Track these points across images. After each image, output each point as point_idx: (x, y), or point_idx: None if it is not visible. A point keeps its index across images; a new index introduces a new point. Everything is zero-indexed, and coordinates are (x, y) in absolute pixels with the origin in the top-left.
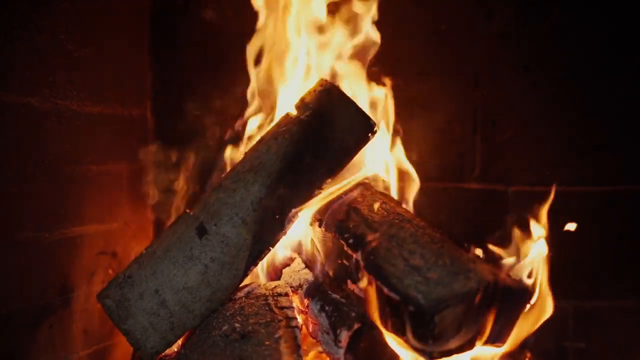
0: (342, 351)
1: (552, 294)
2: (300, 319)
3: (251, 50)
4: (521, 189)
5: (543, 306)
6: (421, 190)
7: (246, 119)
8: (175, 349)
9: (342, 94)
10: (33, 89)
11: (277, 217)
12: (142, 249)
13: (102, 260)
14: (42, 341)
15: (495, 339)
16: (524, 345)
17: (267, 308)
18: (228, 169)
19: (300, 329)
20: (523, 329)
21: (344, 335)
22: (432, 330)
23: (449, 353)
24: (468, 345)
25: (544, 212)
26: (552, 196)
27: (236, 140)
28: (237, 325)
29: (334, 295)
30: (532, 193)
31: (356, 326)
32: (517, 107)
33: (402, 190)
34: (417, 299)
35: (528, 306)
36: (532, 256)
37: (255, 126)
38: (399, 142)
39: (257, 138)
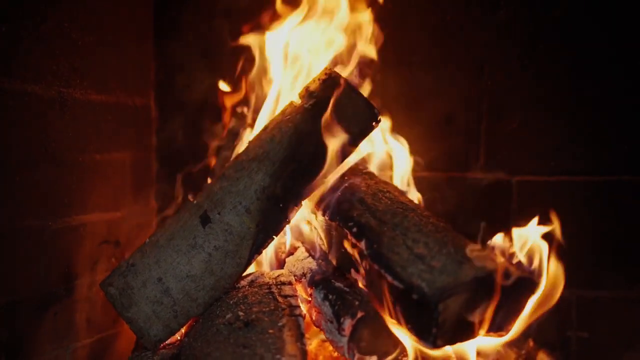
0: (345, 340)
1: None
2: (303, 308)
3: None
4: (525, 178)
5: (547, 295)
6: (425, 179)
7: (250, 108)
8: (179, 337)
9: (347, 83)
10: (37, 77)
11: (280, 205)
12: (145, 237)
13: (105, 248)
14: (47, 329)
15: (499, 327)
16: (527, 334)
17: (270, 297)
18: (232, 157)
19: (304, 318)
20: (527, 317)
21: (348, 324)
22: (435, 318)
23: (453, 341)
24: (472, 333)
25: (547, 201)
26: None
27: (240, 129)
28: (240, 313)
29: (338, 284)
30: (535, 183)
31: (359, 315)
32: (521, 97)
33: (405, 179)
34: (421, 287)
35: (533, 295)
36: (533, 244)
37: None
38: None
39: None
